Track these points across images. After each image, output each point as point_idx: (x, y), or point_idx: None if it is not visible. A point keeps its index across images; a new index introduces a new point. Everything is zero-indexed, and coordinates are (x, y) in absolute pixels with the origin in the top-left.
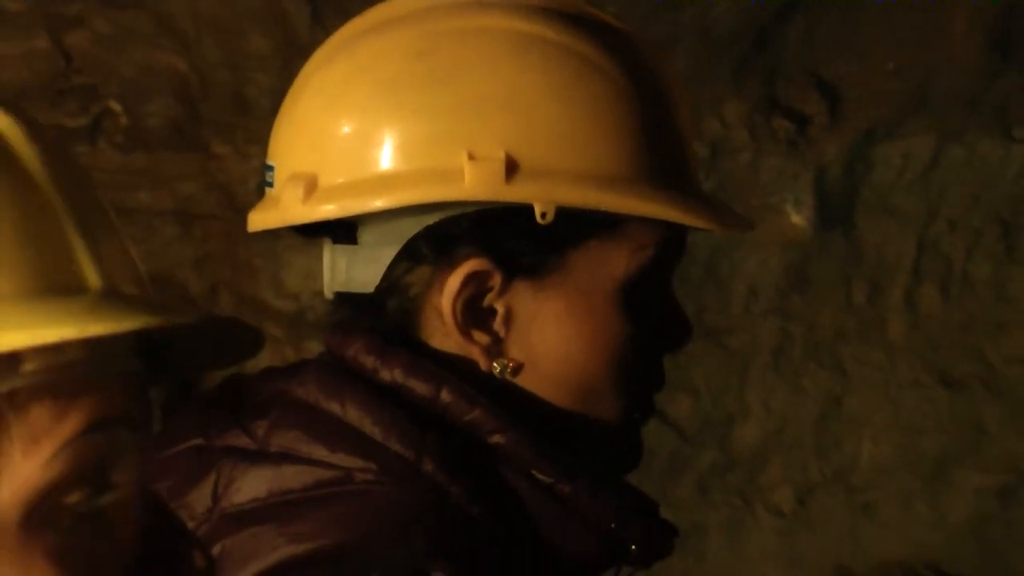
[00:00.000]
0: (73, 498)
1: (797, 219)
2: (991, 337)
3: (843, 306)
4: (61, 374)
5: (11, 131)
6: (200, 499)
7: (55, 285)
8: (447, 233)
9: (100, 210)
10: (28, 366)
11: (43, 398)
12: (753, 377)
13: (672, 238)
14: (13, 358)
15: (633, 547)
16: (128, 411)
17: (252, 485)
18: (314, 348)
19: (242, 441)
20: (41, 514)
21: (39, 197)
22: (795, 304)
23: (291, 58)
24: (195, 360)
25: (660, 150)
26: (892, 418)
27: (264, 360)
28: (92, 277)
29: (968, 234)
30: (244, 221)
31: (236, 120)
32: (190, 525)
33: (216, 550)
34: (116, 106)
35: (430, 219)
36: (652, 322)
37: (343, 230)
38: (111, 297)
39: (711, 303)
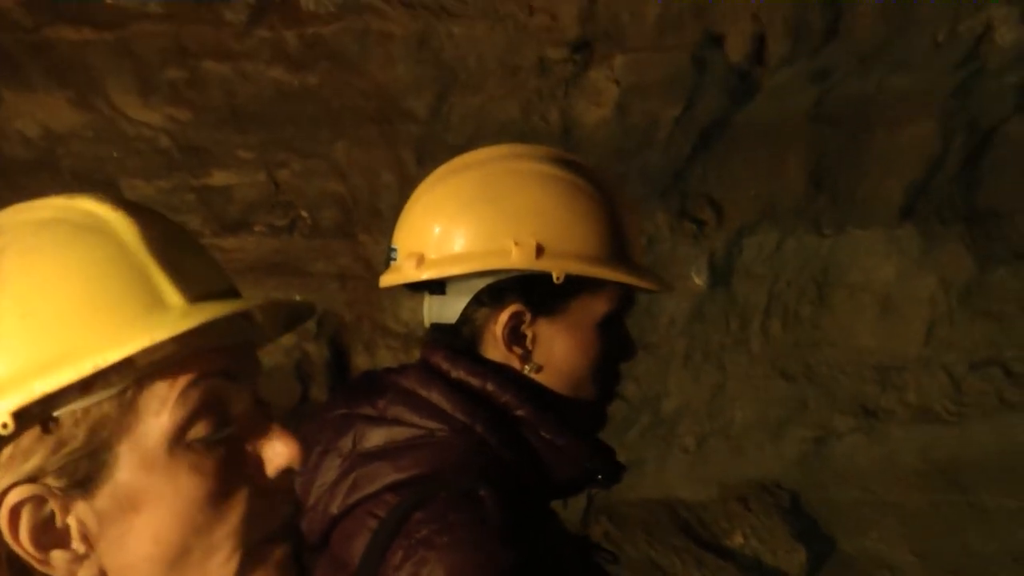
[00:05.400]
0: (201, 431)
1: (698, 281)
2: (811, 351)
3: (724, 332)
4: (162, 362)
5: (110, 216)
6: (345, 445)
7: (144, 308)
8: (499, 288)
9: (190, 247)
10: (139, 362)
11: (158, 374)
12: (671, 372)
13: (629, 293)
14: (128, 361)
15: (599, 476)
16: (225, 368)
17: (375, 437)
18: (416, 355)
19: (369, 411)
20: (178, 442)
21: (129, 256)
22: (696, 330)
23: (405, 186)
24: (275, 329)
25: (622, 241)
26: (753, 398)
27: (386, 362)
28: (172, 297)
29: (797, 290)
30: (377, 280)
31: (373, 222)
32: (339, 461)
33: (354, 476)
34: (304, 213)
35: (489, 280)
36: (615, 343)
37: (437, 286)
38: (193, 304)
39: (646, 328)
